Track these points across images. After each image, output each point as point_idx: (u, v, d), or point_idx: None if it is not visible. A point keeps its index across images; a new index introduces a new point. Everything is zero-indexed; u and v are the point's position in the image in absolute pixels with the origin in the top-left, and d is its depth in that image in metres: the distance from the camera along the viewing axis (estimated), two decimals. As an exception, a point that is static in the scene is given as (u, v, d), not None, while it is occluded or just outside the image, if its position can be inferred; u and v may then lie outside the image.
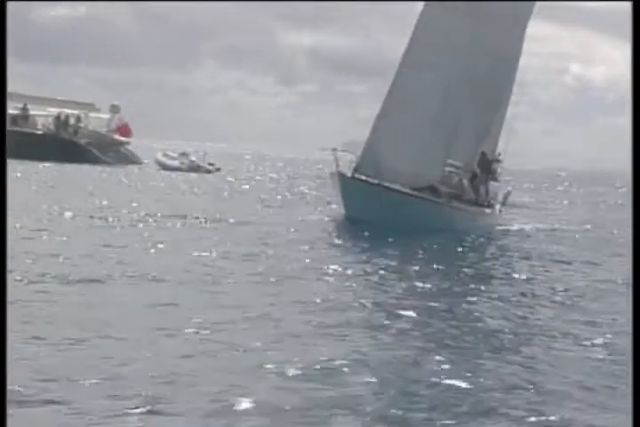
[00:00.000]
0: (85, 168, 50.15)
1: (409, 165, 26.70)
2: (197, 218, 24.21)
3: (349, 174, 26.23)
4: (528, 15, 29.62)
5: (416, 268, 17.14)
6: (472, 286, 15.35)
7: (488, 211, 29.60)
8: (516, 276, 17.42)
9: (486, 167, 29.66)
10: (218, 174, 56.61)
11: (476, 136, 29.19)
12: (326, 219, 26.81)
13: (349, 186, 25.82)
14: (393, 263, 17.62)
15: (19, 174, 37.61)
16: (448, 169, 28.85)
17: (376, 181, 25.87)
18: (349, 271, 16.25)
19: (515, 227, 29.04)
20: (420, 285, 14.90)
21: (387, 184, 25.93)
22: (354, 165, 26.42)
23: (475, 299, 13.75)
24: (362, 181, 26.00)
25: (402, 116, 27.08)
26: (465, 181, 29.12)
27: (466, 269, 17.68)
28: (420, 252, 20.15)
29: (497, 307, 13.25)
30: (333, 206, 28.53)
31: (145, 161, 63.57)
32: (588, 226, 30.40)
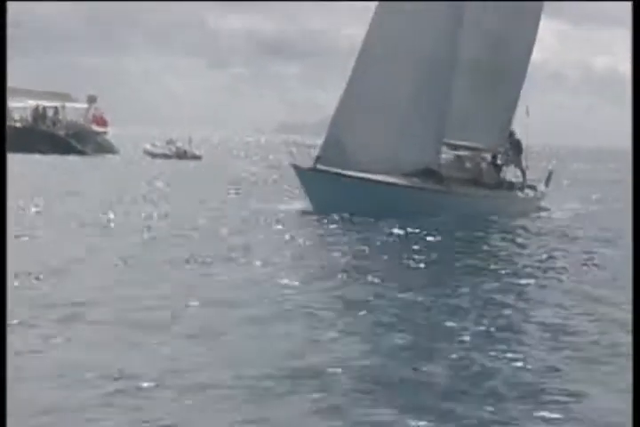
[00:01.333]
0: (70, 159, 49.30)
1: (386, 150, 24.84)
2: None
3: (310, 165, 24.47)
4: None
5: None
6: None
7: (520, 195, 28.12)
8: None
9: (517, 147, 28.46)
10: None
11: (494, 115, 27.94)
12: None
13: (309, 178, 24.09)
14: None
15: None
16: (461, 153, 27.99)
17: (338, 171, 24.00)
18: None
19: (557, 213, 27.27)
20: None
21: (351, 173, 23.99)
22: (315, 155, 24.73)
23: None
24: (322, 171, 24.04)
25: (367, 103, 25.10)
26: (483, 164, 27.85)
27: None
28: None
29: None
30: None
31: (119, 149, 63.29)
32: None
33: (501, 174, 28.41)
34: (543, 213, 27.15)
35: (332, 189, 23.44)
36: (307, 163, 24.69)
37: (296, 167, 24.45)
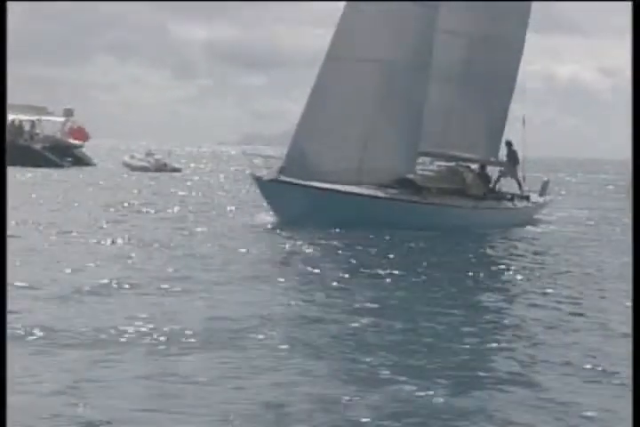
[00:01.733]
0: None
1: (352, 159, 23.69)
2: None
3: (270, 176, 23.21)
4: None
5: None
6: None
7: (510, 206, 27.43)
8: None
9: (513, 158, 28.13)
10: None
11: (483, 124, 27.40)
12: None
13: (271, 190, 23.03)
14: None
15: None
16: (443, 163, 27.56)
17: (301, 182, 22.82)
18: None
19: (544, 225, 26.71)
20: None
21: (317, 184, 22.86)
22: (279, 166, 23.41)
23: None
24: (285, 183, 22.82)
25: (332, 110, 23.75)
26: (468, 175, 26.96)
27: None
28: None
29: None
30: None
31: (95, 162, 63.10)
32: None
33: (491, 185, 27.77)
34: (541, 224, 26.84)
35: (295, 200, 22.43)
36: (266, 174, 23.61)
37: (256, 179, 23.46)
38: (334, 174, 23.33)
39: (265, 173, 23.65)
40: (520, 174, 28.39)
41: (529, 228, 25.90)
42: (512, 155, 28.31)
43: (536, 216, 28.38)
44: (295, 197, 22.45)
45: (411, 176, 24.87)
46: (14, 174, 42.39)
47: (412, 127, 24.64)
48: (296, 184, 22.83)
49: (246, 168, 23.65)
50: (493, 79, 27.40)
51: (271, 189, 23.03)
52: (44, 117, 60.09)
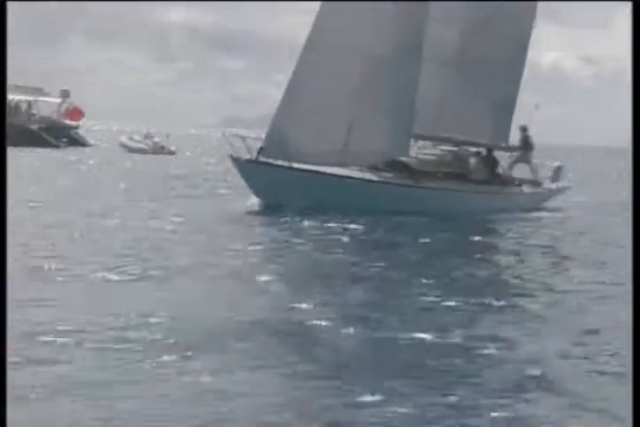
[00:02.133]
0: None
1: (334, 141, 23.04)
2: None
3: (251, 157, 22.73)
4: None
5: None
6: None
7: (517, 191, 27.16)
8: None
9: (528, 143, 27.79)
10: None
11: (489, 110, 26.90)
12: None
13: (250, 171, 22.59)
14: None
15: None
16: (445, 147, 27.18)
17: (282, 163, 22.48)
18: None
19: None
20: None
21: (298, 165, 22.44)
22: (258, 147, 22.89)
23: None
24: (262, 163, 22.41)
25: (312, 97, 23.13)
26: (471, 159, 26.50)
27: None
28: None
29: None
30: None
31: (91, 142, 63.22)
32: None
33: (500, 170, 27.41)
34: (549, 210, 26.74)
35: (275, 182, 22.05)
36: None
37: (235, 159, 22.93)
38: (316, 156, 22.87)
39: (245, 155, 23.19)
40: (534, 160, 28.18)
41: (534, 213, 25.67)
42: (526, 140, 27.95)
43: (548, 202, 28.18)
44: (275, 179, 22.14)
45: (404, 159, 24.50)
46: (16, 154, 42.57)
47: (402, 110, 24.07)
48: (275, 165, 22.53)
49: (229, 150, 23.12)
50: (495, 64, 26.93)
51: (250, 170, 22.66)
52: (40, 98, 60.41)
